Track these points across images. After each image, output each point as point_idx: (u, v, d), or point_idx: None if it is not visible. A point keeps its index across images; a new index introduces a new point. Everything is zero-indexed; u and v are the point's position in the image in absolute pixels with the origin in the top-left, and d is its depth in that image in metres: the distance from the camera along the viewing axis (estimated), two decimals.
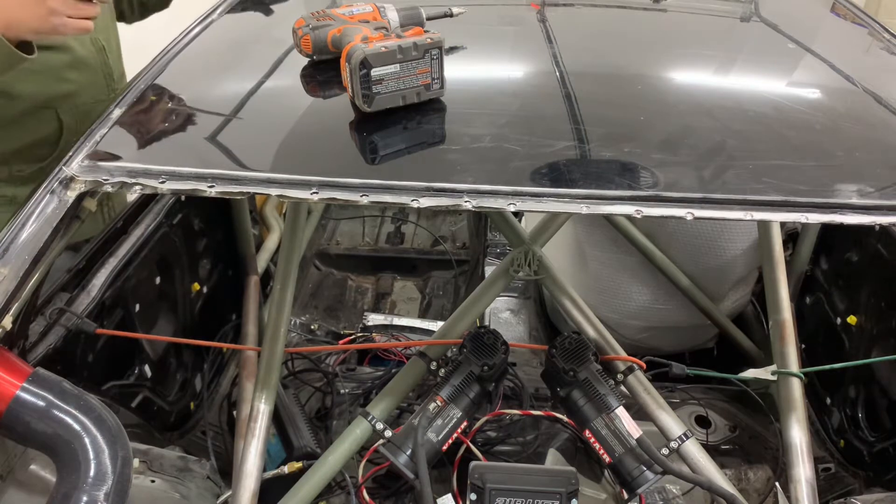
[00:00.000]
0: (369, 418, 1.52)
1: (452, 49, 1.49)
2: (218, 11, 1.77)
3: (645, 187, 1.14)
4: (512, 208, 1.11)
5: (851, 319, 1.95)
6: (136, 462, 1.39)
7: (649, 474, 1.36)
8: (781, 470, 1.71)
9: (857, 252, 1.99)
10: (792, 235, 2.26)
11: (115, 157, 1.23)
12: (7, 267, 1.12)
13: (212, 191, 1.13)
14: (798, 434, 1.53)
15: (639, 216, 1.10)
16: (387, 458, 1.41)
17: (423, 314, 2.76)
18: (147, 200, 1.85)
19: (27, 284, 1.15)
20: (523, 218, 2.20)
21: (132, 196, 1.84)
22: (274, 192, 1.13)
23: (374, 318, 2.54)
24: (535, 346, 2.34)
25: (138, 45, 2.11)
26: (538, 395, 2.00)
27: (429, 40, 1.24)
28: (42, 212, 1.18)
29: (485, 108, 1.35)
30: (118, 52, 2.01)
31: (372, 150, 1.26)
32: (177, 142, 1.31)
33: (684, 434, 1.47)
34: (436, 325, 2.50)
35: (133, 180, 1.17)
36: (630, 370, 1.56)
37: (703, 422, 2.02)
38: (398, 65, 1.23)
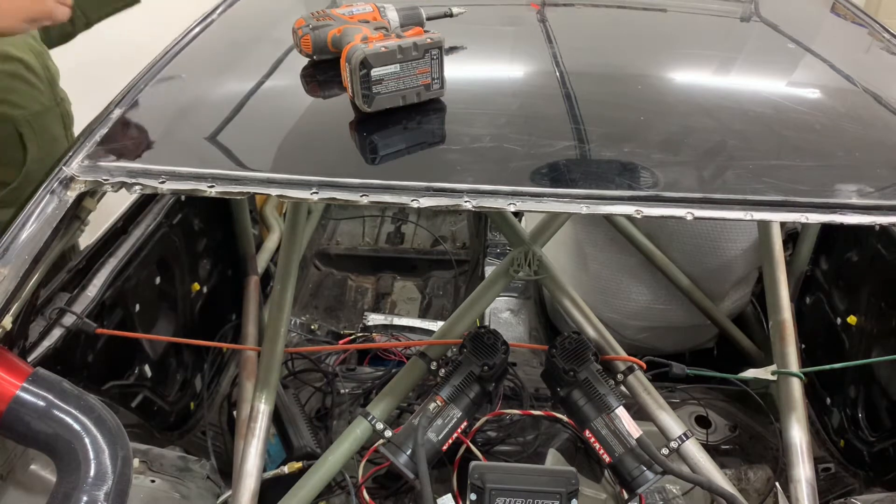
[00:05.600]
0: (369, 418, 1.52)
1: (452, 49, 1.49)
2: (218, 11, 1.77)
3: (645, 187, 1.14)
4: (512, 208, 1.11)
5: (851, 319, 1.96)
6: (136, 462, 1.39)
7: (649, 474, 1.36)
8: (781, 470, 1.71)
9: (857, 252, 1.99)
10: (792, 235, 2.26)
11: (116, 157, 1.23)
12: (7, 267, 1.12)
13: (212, 191, 1.13)
14: (798, 434, 1.53)
15: (639, 216, 1.10)
16: (387, 458, 1.41)
17: (423, 314, 2.76)
18: (147, 200, 1.85)
19: (27, 284, 1.15)
20: (523, 218, 2.20)
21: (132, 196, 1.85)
22: (274, 192, 1.13)
23: (374, 318, 2.54)
24: (535, 346, 2.34)
25: (138, 45, 2.11)
26: (538, 395, 2.00)
27: (429, 40, 1.24)
28: (42, 212, 1.18)
29: (485, 108, 1.35)
30: (49, 54, 2.02)
31: (372, 150, 1.26)
32: (177, 142, 1.31)
33: (684, 434, 1.47)
34: (436, 325, 2.50)
35: (133, 180, 1.17)
36: (630, 370, 1.56)
37: (703, 422, 2.02)
38: (398, 65, 1.23)
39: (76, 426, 1.04)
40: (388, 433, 1.48)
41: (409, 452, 1.38)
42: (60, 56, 2.05)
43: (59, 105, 2.00)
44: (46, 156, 1.89)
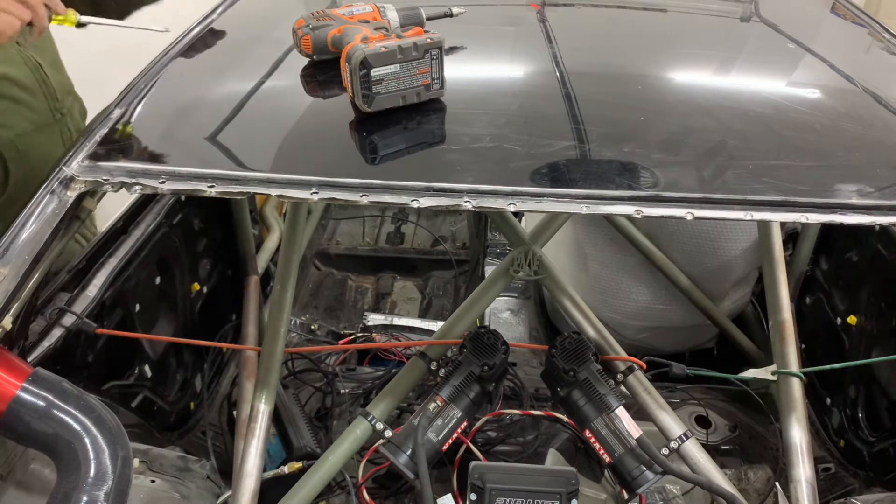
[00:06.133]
0: (369, 418, 1.52)
1: (452, 49, 1.49)
2: (218, 11, 1.77)
3: (645, 187, 1.14)
4: (512, 208, 1.11)
5: (851, 319, 1.95)
6: (136, 462, 1.39)
7: (649, 474, 1.36)
8: (781, 470, 1.71)
9: (857, 252, 1.99)
10: (792, 235, 2.26)
11: (116, 157, 1.23)
12: (7, 267, 1.12)
13: (212, 191, 1.13)
14: (798, 434, 1.53)
15: (639, 216, 1.10)
16: (387, 458, 1.41)
17: (423, 314, 2.76)
18: (147, 200, 1.85)
19: (27, 284, 1.15)
20: (523, 218, 2.20)
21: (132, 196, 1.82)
22: (274, 192, 1.13)
23: (374, 318, 2.54)
24: (535, 346, 2.34)
25: (138, 45, 2.11)
26: (538, 395, 2.00)
27: (429, 40, 1.24)
28: (42, 212, 1.18)
29: (485, 108, 1.35)
30: (58, 66, 1.91)
31: (372, 150, 1.26)
32: (177, 142, 1.31)
33: (684, 434, 1.47)
34: (436, 325, 2.50)
35: (133, 180, 1.17)
36: (630, 370, 1.56)
37: (703, 422, 2.02)
38: (398, 65, 1.23)
39: (76, 426, 1.04)
40: (388, 433, 1.48)
41: (409, 452, 1.38)
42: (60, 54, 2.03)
43: (59, 121, 1.89)
44: (36, 177, 1.77)
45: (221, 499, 1.49)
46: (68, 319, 1.49)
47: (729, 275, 2.15)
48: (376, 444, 1.51)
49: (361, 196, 1.12)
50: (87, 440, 1.03)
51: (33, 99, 1.80)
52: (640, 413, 1.53)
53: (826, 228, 2.12)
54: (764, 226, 1.93)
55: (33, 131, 1.81)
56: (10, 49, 1.69)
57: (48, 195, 1.19)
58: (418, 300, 2.89)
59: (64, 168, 1.21)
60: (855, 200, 1.13)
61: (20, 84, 1.78)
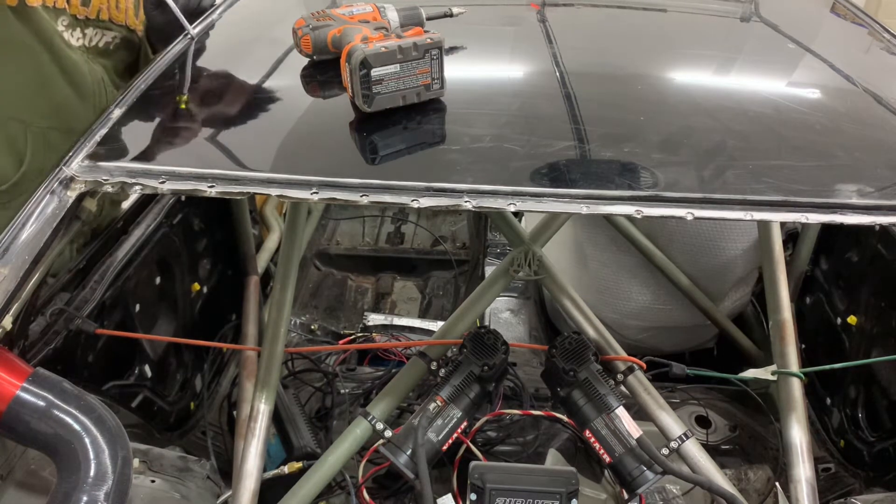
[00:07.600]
0: (369, 418, 1.52)
1: (452, 49, 1.49)
2: (218, 12, 1.77)
3: (645, 187, 1.14)
4: (512, 208, 1.11)
5: (851, 319, 1.95)
6: (136, 462, 1.39)
7: (649, 474, 1.36)
8: (781, 470, 1.71)
9: (857, 252, 1.99)
10: (792, 235, 2.26)
11: (116, 157, 1.23)
12: (7, 267, 1.13)
13: (212, 191, 1.13)
14: (798, 434, 1.53)
15: (639, 216, 1.10)
16: (387, 458, 1.41)
17: (423, 314, 2.77)
18: (147, 200, 1.85)
19: (27, 284, 1.15)
20: (523, 218, 2.20)
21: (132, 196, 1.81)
22: (274, 192, 1.13)
23: (374, 318, 2.54)
24: (535, 346, 2.34)
25: None
26: (538, 395, 2.00)
27: (429, 40, 1.24)
28: (42, 212, 1.18)
29: (485, 108, 1.35)
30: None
31: (372, 150, 1.26)
32: (177, 142, 1.31)
33: (684, 434, 1.47)
34: (436, 325, 2.50)
35: (133, 180, 1.17)
36: (630, 370, 1.56)
37: (703, 422, 2.02)
38: (398, 65, 1.23)
39: (76, 426, 1.04)
40: (388, 433, 1.48)
41: (409, 452, 1.38)
42: None
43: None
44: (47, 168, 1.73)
45: (221, 499, 1.49)
46: (68, 319, 1.49)
47: (729, 275, 2.16)
48: (376, 444, 1.52)
49: (361, 196, 1.12)
50: (87, 440, 1.03)
51: (81, 105, 1.70)
52: (640, 413, 1.53)
53: (826, 228, 2.12)
54: (764, 226, 1.93)
55: (68, 131, 1.76)
56: (78, 56, 1.65)
57: (48, 195, 1.19)
58: (418, 300, 2.89)
59: (64, 168, 1.21)
60: (855, 200, 1.13)
61: (77, 88, 1.69)
